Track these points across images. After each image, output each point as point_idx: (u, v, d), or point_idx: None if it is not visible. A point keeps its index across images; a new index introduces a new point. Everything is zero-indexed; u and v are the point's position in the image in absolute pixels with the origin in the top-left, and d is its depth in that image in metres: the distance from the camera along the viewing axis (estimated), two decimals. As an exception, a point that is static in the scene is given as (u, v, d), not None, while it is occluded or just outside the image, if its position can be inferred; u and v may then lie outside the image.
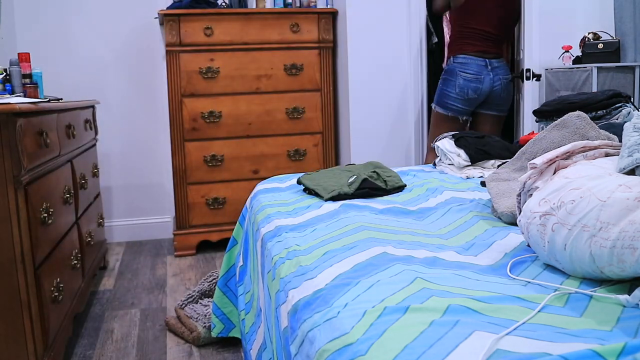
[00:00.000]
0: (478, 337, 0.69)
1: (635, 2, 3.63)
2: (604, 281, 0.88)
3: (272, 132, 3.26)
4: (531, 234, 0.98)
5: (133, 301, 2.54)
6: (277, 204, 1.65)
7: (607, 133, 1.46)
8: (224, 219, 3.24)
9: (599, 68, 3.40)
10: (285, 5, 3.38)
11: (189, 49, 3.09)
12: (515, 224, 1.26)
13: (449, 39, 3.42)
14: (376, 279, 0.93)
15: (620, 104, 1.94)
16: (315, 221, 1.40)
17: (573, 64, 3.70)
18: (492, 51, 3.09)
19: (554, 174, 1.06)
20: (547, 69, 3.84)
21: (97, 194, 2.85)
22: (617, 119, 1.91)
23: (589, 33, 3.71)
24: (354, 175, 1.73)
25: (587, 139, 1.42)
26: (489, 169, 1.94)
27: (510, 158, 1.79)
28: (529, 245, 1.05)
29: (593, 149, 1.10)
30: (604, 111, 1.94)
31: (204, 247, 3.30)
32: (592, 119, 1.90)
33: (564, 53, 3.75)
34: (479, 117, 3.13)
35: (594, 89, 3.36)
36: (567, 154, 1.08)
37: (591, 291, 0.85)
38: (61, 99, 2.54)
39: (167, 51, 3.08)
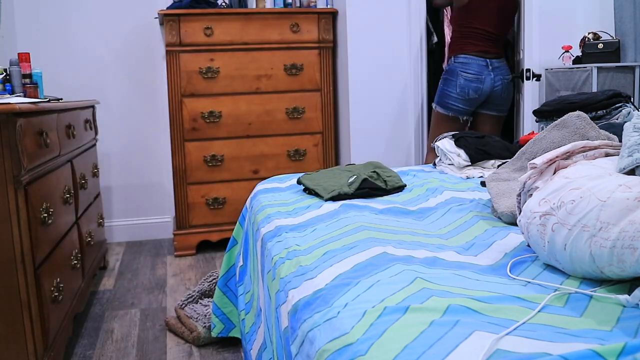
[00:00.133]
0: (478, 337, 0.69)
1: (636, 2, 3.63)
2: (604, 281, 0.88)
3: (272, 132, 3.26)
4: (531, 234, 0.98)
5: (133, 301, 2.54)
6: (277, 204, 1.65)
7: (607, 133, 1.46)
8: (224, 219, 3.24)
9: (599, 68, 3.40)
10: (285, 5, 3.38)
11: (189, 49, 3.09)
12: (515, 224, 1.26)
13: (449, 39, 3.41)
14: (376, 279, 0.93)
15: (620, 104, 1.94)
16: (315, 221, 1.40)
17: (573, 64, 3.70)
18: (493, 51, 3.09)
19: (554, 174, 1.06)
20: (547, 69, 3.84)
21: (97, 194, 2.85)
22: (617, 119, 1.91)
23: (589, 33, 3.71)
24: (354, 175, 1.73)
25: (587, 139, 1.42)
26: (489, 169, 1.94)
27: (510, 158, 1.79)
28: (529, 245, 1.05)
29: (593, 149, 1.10)
30: (604, 111, 1.94)
31: (204, 247, 3.30)
32: (592, 119, 1.90)
33: (564, 53, 3.75)
34: (479, 117, 3.13)
35: (594, 89, 3.36)
36: (567, 154, 1.08)
37: (591, 291, 0.85)
38: (61, 99, 2.54)
39: (167, 51, 3.08)
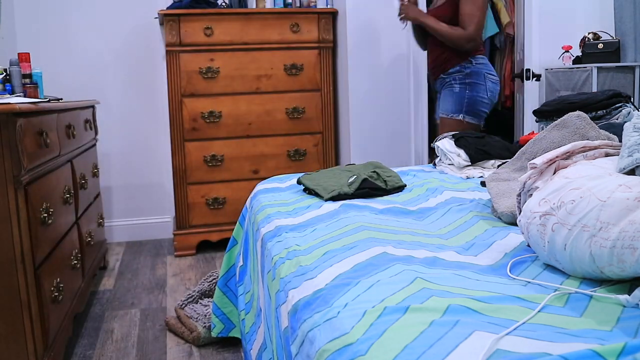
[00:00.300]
0: (478, 337, 0.69)
1: (636, 2, 3.63)
2: (604, 281, 0.88)
3: (272, 132, 3.26)
4: (531, 234, 0.98)
5: (133, 301, 2.54)
6: (277, 204, 1.65)
7: (607, 133, 1.46)
8: (224, 219, 3.24)
9: (599, 68, 3.40)
10: (285, 5, 3.38)
11: (189, 49, 3.09)
12: (515, 224, 1.26)
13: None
14: (376, 279, 0.93)
15: (620, 104, 1.94)
16: (315, 221, 1.40)
17: (573, 64, 3.70)
18: None
19: (554, 174, 1.06)
20: (547, 69, 3.84)
21: (97, 194, 2.85)
22: (617, 119, 1.91)
23: (589, 33, 3.71)
24: (354, 175, 1.73)
25: (587, 139, 1.42)
26: (489, 169, 1.94)
27: (510, 158, 1.79)
28: (529, 245, 1.05)
29: (593, 149, 1.10)
30: (604, 111, 1.94)
31: (204, 247, 3.30)
32: (592, 119, 1.90)
33: (564, 53, 3.75)
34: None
35: (594, 89, 3.36)
36: (567, 154, 1.08)
37: (591, 291, 0.85)
38: (61, 99, 2.54)
39: (167, 51, 3.08)
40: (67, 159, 2.22)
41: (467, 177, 1.89)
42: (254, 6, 3.36)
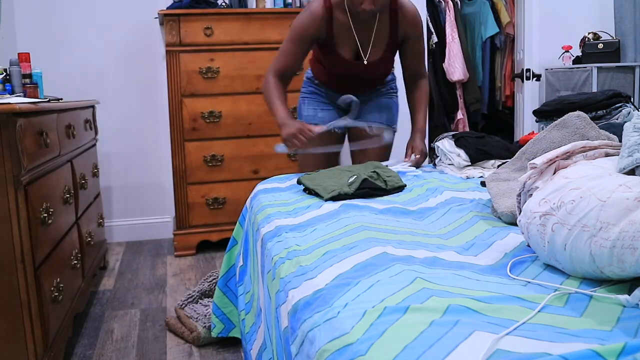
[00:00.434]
0: (478, 337, 0.69)
1: (635, 2, 3.63)
2: (604, 281, 0.88)
3: (272, 132, 3.25)
4: (531, 234, 0.98)
5: (133, 301, 2.54)
6: (277, 204, 1.65)
7: (607, 133, 1.46)
8: (224, 219, 3.24)
9: (599, 68, 3.40)
10: (285, 5, 3.38)
11: (189, 49, 3.09)
12: (515, 224, 1.26)
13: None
14: (376, 279, 0.93)
15: (620, 104, 1.94)
16: (315, 221, 1.40)
17: (573, 64, 3.70)
18: None
19: (554, 174, 1.06)
20: (547, 69, 3.84)
21: (97, 194, 2.85)
22: (617, 119, 1.91)
23: (589, 33, 3.71)
24: (354, 175, 1.73)
25: (587, 139, 1.42)
26: (489, 169, 1.94)
27: (510, 158, 1.79)
28: (529, 245, 1.05)
29: (593, 149, 1.10)
30: (604, 111, 1.94)
31: (204, 247, 3.30)
32: (592, 119, 1.90)
33: (564, 53, 3.75)
34: None
35: (594, 89, 3.36)
36: (567, 154, 1.08)
37: (591, 291, 0.85)
38: (61, 99, 2.54)
39: (167, 51, 3.08)
40: (67, 159, 2.22)
41: (467, 177, 1.89)
42: (254, 6, 3.36)
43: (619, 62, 3.50)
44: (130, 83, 3.46)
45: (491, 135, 2.11)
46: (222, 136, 3.19)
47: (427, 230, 1.30)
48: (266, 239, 1.37)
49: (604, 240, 0.82)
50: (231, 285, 1.90)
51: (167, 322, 2.23)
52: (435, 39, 4.29)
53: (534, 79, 3.93)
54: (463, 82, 4.38)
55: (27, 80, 2.37)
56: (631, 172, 0.96)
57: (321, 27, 2.08)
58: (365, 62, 2.17)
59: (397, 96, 2.47)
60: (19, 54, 2.39)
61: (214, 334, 1.96)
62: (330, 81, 2.30)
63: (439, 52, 4.36)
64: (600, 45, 3.53)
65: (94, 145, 2.94)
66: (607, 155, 1.09)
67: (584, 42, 3.65)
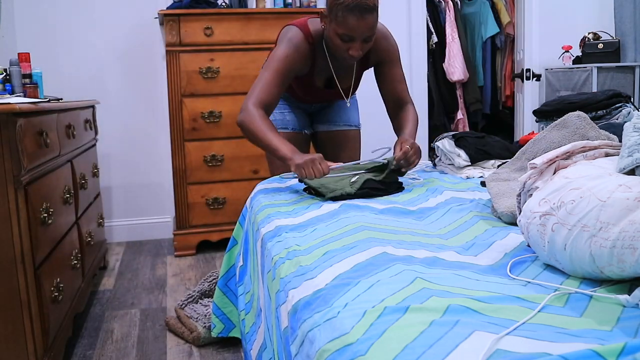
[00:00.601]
0: (478, 337, 0.69)
1: (636, 2, 3.63)
2: (604, 281, 0.88)
3: (272, 132, 3.25)
4: (531, 234, 0.98)
5: (133, 301, 2.54)
6: (277, 204, 1.65)
7: (607, 133, 1.46)
8: (224, 219, 3.24)
9: (599, 68, 3.40)
10: (285, 5, 3.38)
11: (189, 49, 3.09)
12: (515, 224, 1.26)
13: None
14: (376, 279, 0.93)
15: (620, 104, 1.94)
16: (315, 221, 1.40)
17: (573, 64, 3.70)
18: None
19: (554, 174, 1.06)
20: (547, 69, 3.84)
21: (97, 194, 2.85)
22: (617, 119, 1.91)
23: (589, 33, 3.71)
24: (357, 174, 1.73)
25: (587, 139, 1.42)
26: (489, 169, 1.94)
27: (510, 158, 1.79)
28: (529, 245, 1.05)
29: (593, 149, 1.10)
30: (604, 111, 1.94)
31: (204, 247, 3.30)
32: (592, 119, 1.90)
33: (564, 53, 3.75)
34: None
35: (594, 89, 3.36)
36: (567, 154, 1.08)
37: (591, 291, 0.85)
38: (61, 99, 2.54)
39: (167, 51, 3.08)
40: (67, 159, 2.22)
41: (467, 177, 1.89)
42: (254, 6, 3.36)
43: (619, 62, 3.50)
44: (130, 83, 3.46)
45: (491, 135, 2.11)
46: (222, 136, 3.19)
47: (427, 230, 1.30)
48: (266, 239, 1.37)
49: (604, 240, 0.82)
50: (231, 285, 1.90)
51: (167, 322, 2.23)
52: (435, 39, 4.29)
53: (534, 79, 3.93)
54: (463, 82, 4.38)
55: (27, 80, 2.37)
56: (631, 172, 0.96)
57: (307, 63, 1.98)
58: (338, 88, 2.11)
59: (355, 94, 2.37)
60: (19, 54, 2.39)
61: (214, 334, 1.96)
62: (297, 95, 2.22)
63: (439, 52, 4.37)
64: (600, 45, 3.53)
65: (94, 145, 2.94)
66: (607, 155, 1.09)
67: (584, 42, 3.65)
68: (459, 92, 4.41)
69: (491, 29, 4.43)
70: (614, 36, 3.70)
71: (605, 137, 1.43)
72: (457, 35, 4.28)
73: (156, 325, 2.27)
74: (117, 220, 3.54)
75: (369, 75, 3.25)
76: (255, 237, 1.55)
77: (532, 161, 1.09)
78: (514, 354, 0.65)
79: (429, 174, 1.99)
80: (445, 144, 2.08)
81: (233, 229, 1.95)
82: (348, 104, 2.32)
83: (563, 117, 1.52)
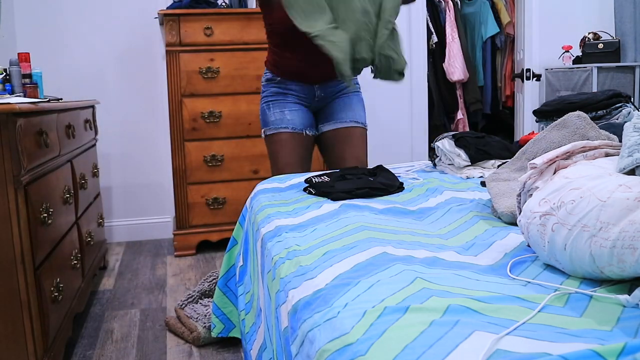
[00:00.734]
0: (478, 337, 0.69)
1: (636, 2, 3.63)
2: (604, 281, 0.88)
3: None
4: (531, 234, 0.98)
5: (133, 301, 2.54)
6: (277, 204, 1.65)
7: (607, 133, 1.46)
8: (224, 219, 3.24)
9: (599, 68, 3.40)
10: (285, 5, 3.37)
11: (189, 49, 3.09)
12: (515, 224, 1.26)
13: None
14: (376, 279, 0.93)
15: (620, 104, 1.94)
16: (315, 221, 1.40)
17: (573, 63, 3.69)
18: None
19: (554, 174, 1.06)
20: (547, 69, 3.84)
21: (97, 194, 2.85)
22: (617, 119, 1.91)
23: (589, 33, 3.71)
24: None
25: (587, 139, 1.42)
26: (489, 169, 1.94)
27: (510, 158, 1.79)
28: (529, 245, 1.05)
29: (593, 149, 1.10)
30: (604, 111, 1.94)
31: (204, 247, 3.30)
32: (592, 119, 1.90)
33: (564, 53, 3.75)
34: None
35: (594, 89, 3.36)
36: (567, 154, 1.08)
37: (591, 291, 0.85)
38: (61, 99, 2.54)
39: (167, 51, 3.08)
40: (67, 159, 2.22)
41: (467, 177, 1.89)
42: (254, 6, 3.36)
43: (619, 62, 3.50)
44: (130, 83, 3.46)
45: (491, 135, 2.11)
46: (222, 136, 3.18)
47: (427, 230, 1.30)
48: (266, 239, 1.37)
49: (604, 240, 0.82)
50: (231, 285, 1.90)
51: (167, 322, 2.23)
52: (435, 39, 4.29)
53: (534, 79, 3.93)
54: (463, 82, 4.38)
55: (27, 80, 2.37)
56: (631, 172, 0.96)
57: None
58: None
59: (360, 92, 2.36)
60: (18, 53, 2.39)
61: (214, 334, 1.96)
62: (293, 65, 2.12)
63: (439, 52, 4.37)
64: (601, 45, 3.53)
65: (94, 145, 2.94)
66: (607, 155, 1.09)
67: (584, 42, 3.65)
68: (459, 92, 4.41)
69: (491, 28, 4.43)
70: (614, 36, 3.70)
71: (606, 137, 1.43)
72: (457, 35, 4.28)
73: (156, 325, 2.27)
74: (117, 220, 3.54)
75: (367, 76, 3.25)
76: (255, 237, 1.55)
77: (532, 161, 1.09)
78: (514, 354, 0.65)
79: (429, 174, 1.99)
80: (445, 144, 2.07)
81: (233, 229, 1.95)
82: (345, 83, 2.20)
83: (563, 117, 1.52)
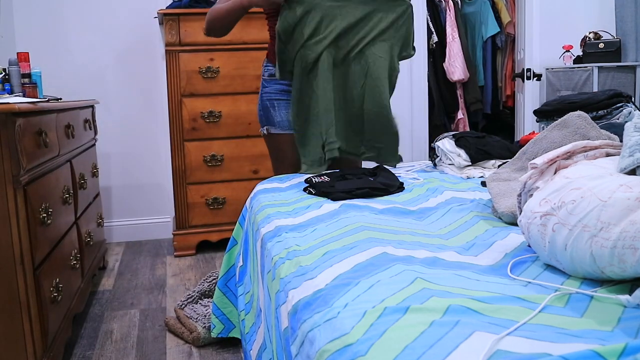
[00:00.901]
0: (478, 337, 0.69)
1: (637, 1, 3.63)
2: (604, 281, 0.88)
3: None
4: (532, 234, 0.98)
5: (133, 301, 2.54)
6: (277, 204, 1.64)
7: (607, 133, 1.46)
8: (223, 219, 3.23)
9: (599, 68, 3.40)
10: (285, 5, 3.37)
11: (189, 48, 3.09)
12: (515, 224, 1.25)
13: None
14: (376, 279, 0.93)
15: (621, 104, 1.94)
16: (315, 221, 1.39)
17: (574, 63, 3.69)
18: None
19: (555, 174, 1.06)
20: (547, 69, 3.84)
21: (96, 194, 2.85)
22: (617, 119, 1.91)
23: (589, 32, 3.71)
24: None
25: (588, 139, 1.41)
26: (489, 169, 1.94)
27: (510, 158, 1.79)
28: (529, 246, 1.04)
29: (594, 149, 1.09)
30: (605, 111, 1.94)
31: (204, 247, 3.29)
32: (593, 118, 1.90)
33: (564, 53, 3.75)
34: None
35: (595, 89, 3.36)
36: (568, 153, 1.08)
37: (592, 291, 0.84)
38: (60, 99, 2.54)
39: (166, 51, 3.08)
40: (66, 159, 2.21)
41: (468, 177, 1.89)
42: (254, 6, 3.35)
43: (620, 61, 3.50)
44: (130, 83, 3.46)
45: (492, 135, 2.11)
46: (222, 136, 3.18)
47: (427, 230, 1.30)
48: (266, 239, 1.37)
49: (605, 240, 0.82)
50: (231, 285, 1.90)
51: (167, 322, 2.23)
52: (435, 38, 4.28)
53: (535, 78, 3.93)
54: (463, 82, 4.37)
55: (26, 80, 2.37)
56: (632, 172, 0.95)
57: None
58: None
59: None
60: (18, 53, 2.39)
61: (213, 335, 1.96)
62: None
63: (439, 52, 4.36)
64: (601, 45, 3.53)
65: (94, 145, 2.93)
66: (607, 155, 1.09)
67: (584, 42, 3.65)
68: (459, 92, 4.41)
69: (492, 28, 4.43)
70: (615, 36, 3.69)
71: (606, 137, 1.43)
72: (457, 35, 4.27)
73: (156, 325, 2.27)
74: (116, 220, 3.54)
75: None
76: (255, 237, 1.55)
77: (532, 161, 1.09)
78: (514, 355, 0.65)
79: (429, 174, 1.99)
80: (445, 143, 2.07)
81: (233, 229, 1.95)
82: None
83: (564, 117, 1.52)
